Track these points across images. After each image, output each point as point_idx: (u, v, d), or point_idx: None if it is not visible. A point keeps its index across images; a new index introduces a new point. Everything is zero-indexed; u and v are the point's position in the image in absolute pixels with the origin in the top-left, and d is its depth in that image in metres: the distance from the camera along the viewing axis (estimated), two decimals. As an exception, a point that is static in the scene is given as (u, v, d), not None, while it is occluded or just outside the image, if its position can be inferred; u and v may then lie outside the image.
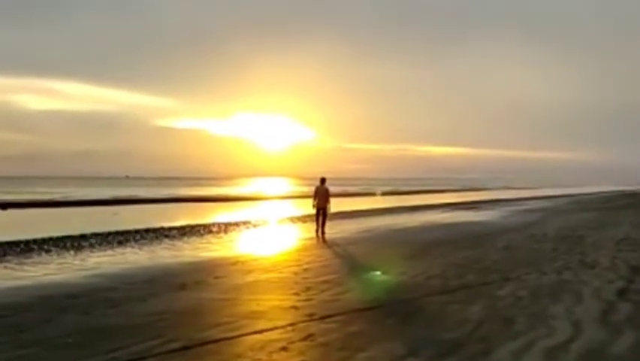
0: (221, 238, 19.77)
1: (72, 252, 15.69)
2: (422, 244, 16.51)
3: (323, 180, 20.62)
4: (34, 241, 17.66)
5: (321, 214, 20.38)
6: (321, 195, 20.44)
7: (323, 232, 20.06)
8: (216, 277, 11.14)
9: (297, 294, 9.41)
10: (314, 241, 18.24)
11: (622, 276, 10.90)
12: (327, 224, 20.73)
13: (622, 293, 9.29)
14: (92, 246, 16.99)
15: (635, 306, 8.35)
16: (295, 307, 8.39)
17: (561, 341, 6.54)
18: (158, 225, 23.71)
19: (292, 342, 6.55)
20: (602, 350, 6.19)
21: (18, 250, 16.06)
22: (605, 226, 22.57)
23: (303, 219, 28.09)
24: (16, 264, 13.57)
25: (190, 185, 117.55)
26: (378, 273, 8.90)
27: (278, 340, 6.64)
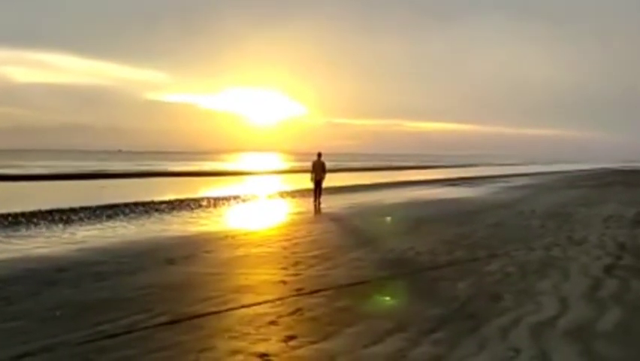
0: (211, 212, 19.73)
1: (61, 225, 15.60)
2: (411, 220, 16.54)
3: (319, 155, 22.32)
4: (23, 214, 17.51)
5: (318, 186, 21.83)
6: (318, 169, 21.90)
7: (319, 203, 21.30)
8: (206, 252, 11.13)
9: (285, 268, 9.42)
10: (304, 216, 18.24)
11: (609, 253, 10.99)
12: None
13: (609, 270, 9.37)
14: (81, 220, 16.89)
15: (621, 282, 8.43)
16: (284, 282, 8.41)
17: (548, 316, 6.59)
18: (147, 199, 23.60)
19: (280, 316, 6.56)
20: (589, 326, 6.24)
21: (6, 223, 15.93)
22: (593, 203, 22.71)
23: (293, 194, 28.10)
24: (3, 237, 13.48)
25: (180, 159, 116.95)
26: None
27: (266, 314, 6.65)
